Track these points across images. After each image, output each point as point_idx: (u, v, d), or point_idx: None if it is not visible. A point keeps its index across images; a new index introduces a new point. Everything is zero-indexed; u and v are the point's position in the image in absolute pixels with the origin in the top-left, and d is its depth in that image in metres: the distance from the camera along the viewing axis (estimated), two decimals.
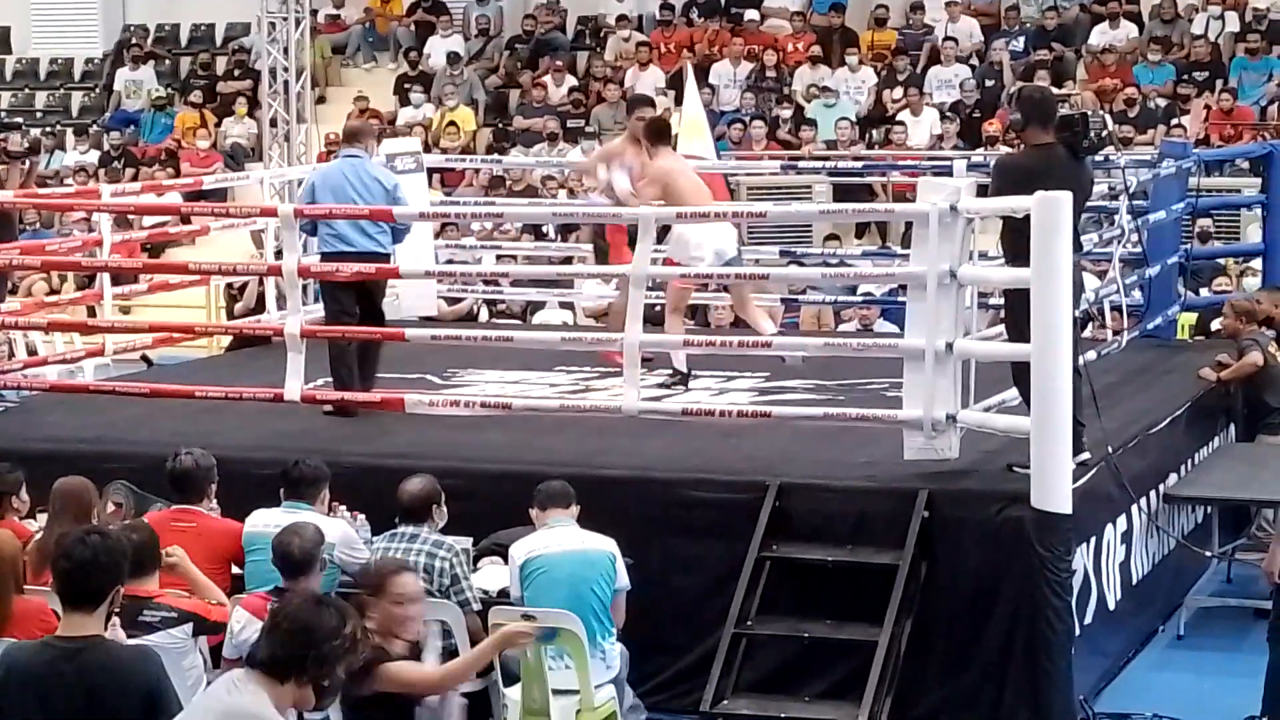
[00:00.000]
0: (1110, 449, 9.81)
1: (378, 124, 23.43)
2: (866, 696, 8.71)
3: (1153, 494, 10.92)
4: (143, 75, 26.62)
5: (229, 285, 18.62)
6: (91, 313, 13.91)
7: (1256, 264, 15.54)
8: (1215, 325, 15.11)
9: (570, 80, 24.40)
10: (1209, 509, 11.70)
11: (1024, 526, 8.99)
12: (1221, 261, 17.04)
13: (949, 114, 21.99)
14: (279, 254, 12.13)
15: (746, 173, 18.95)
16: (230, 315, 18.11)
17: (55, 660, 5.46)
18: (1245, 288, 15.82)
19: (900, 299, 11.86)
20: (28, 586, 7.67)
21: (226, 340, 16.35)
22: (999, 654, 9.13)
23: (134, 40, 27.18)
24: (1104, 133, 9.84)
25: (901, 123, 21.83)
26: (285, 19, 22.15)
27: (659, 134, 12.50)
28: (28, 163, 13.02)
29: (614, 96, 23.42)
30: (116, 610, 5.86)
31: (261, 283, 15.98)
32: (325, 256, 11.42)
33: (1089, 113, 10.20)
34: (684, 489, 9.70)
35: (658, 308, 12.54)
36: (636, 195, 12.27)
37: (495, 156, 21.34)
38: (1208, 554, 11.47)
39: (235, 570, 8.76)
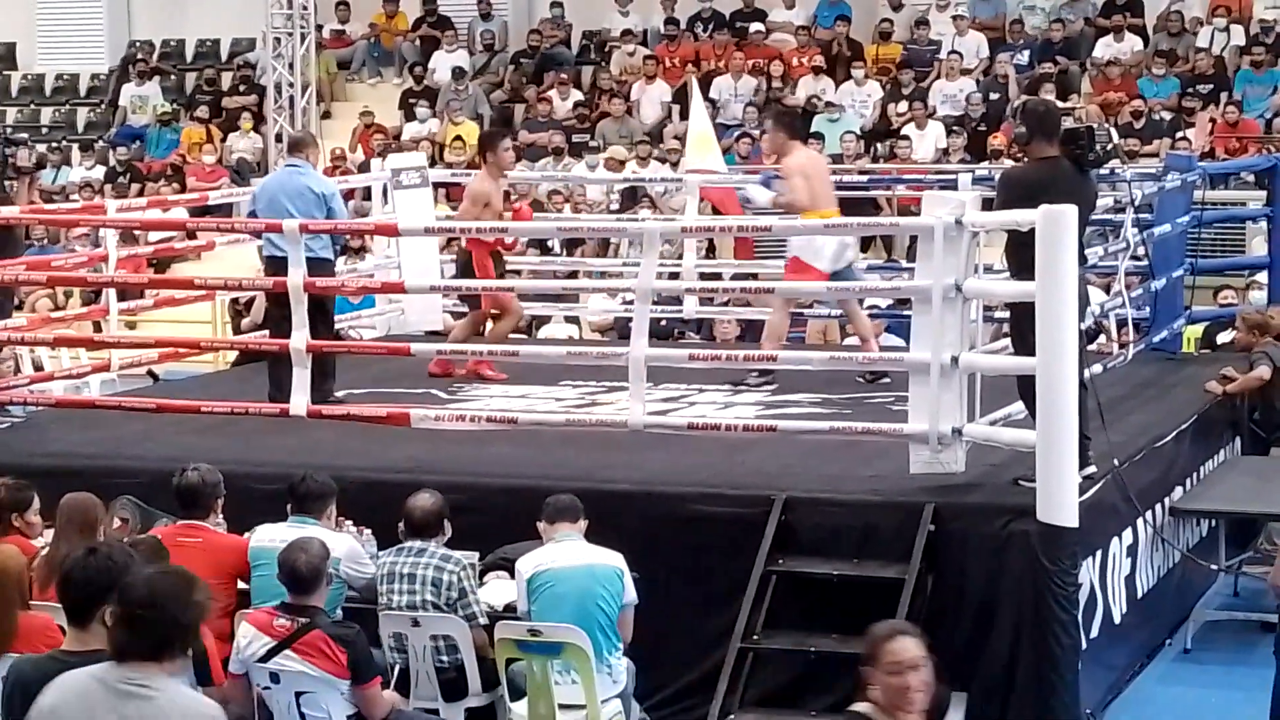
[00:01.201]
0: (1116, 462, 9.80)
1: (383, 138, 23.53)
2: None
3: (1159, 507, 10.91)
4: (148, 91, 26.65)
5: (233, 300, 18.64)
6: (97, 328, 13.92)
7: (1262, 277, 15.53)
8: (1223, 338, 15.09)
9: (575, 94, 24.40)
10: (1215, 522, 11.68)
11: (1030, 540, 8.99)
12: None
13: (954, 128, 21.99)
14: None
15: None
16: (236, 330, 18.13)
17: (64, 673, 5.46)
18: (1251, 300, 15.81)
19: (905, 313, 11.87)
20: (33, 602, 7.68)
21: (232, 355, 16.38)
22: (1005, 668, 9.12)
23: (139, 55, 27.20)
24: (1109, 146, 9.84)
25: (906, 137, 21.82)
26: (290, 34, 22.23)
27: (795, 128, 12.63)
28: (32, 178, 13.03)
29: (619, 111, 23.44)
30: None
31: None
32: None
33: (1094, 126, 10.20)
34: (690, 503, 9.70)
35: (663, 321, 12.46)
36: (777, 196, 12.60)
37: None
38: (1213, 567, 11.46)
39: (241, 586, 8.76)
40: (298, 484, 8.90)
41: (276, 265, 11.58)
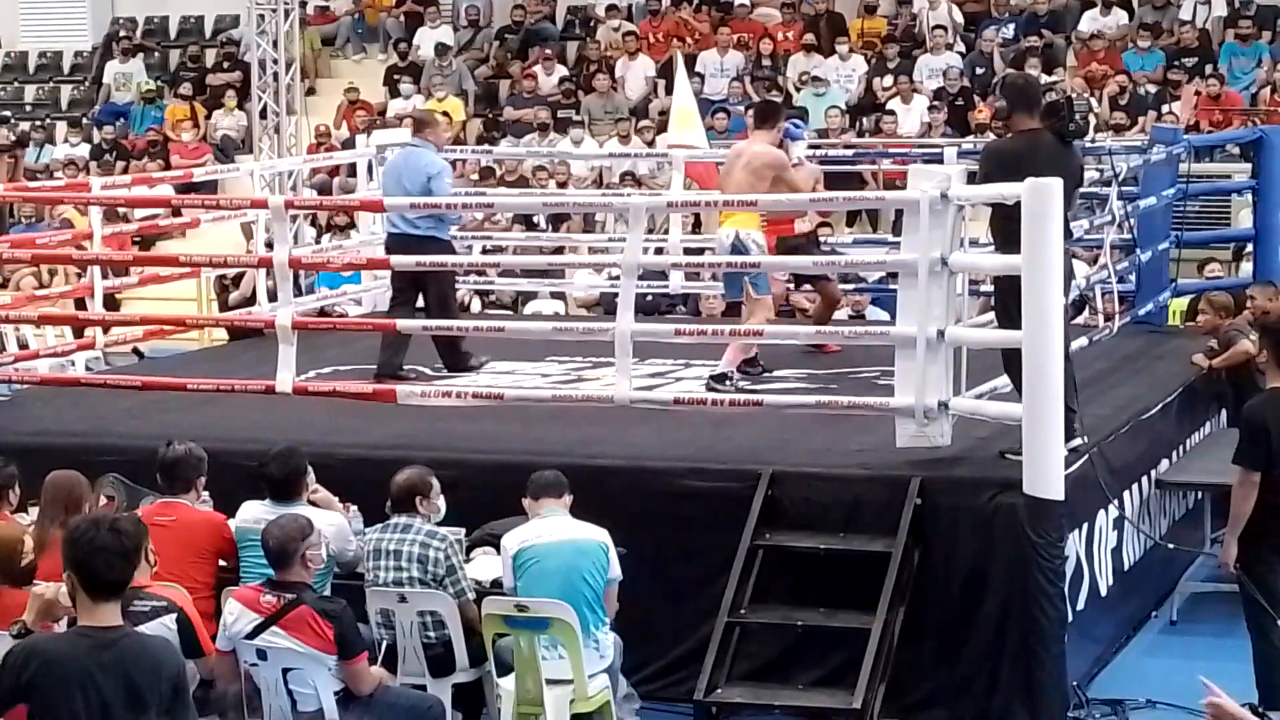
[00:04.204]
0: (1091, 438, 9.77)
1: (367, 115, 23.50)
2: (860, 684, 8.71)
3: (1145, 480, 10.92)
4: (132, 68, 26.56)
5: (220, 276, 18.60)
6: (82, 306, 13.89)
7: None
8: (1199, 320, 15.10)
9: (560, 70, 24.37)
10: (1201, 495, 11.69)
11: (1016, 513, 9.00)
12: None
13: (939, 102, 21.97)
14: (269, 246, 12.15)
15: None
16: (224, 306, 18.08)
17: (94, 649, 5.47)
18: (1243, 273, 15.81)
19: (891, 286, 11.87)
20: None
21: (217, 331, 16.34)
22: (992, 641, 9.14)
23: (123, 33, 27.13)
24: (1087, 114, 9.85)
25: (892, 111, 21.81)
26: (274, 11, 22.13)
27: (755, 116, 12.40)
28: (15, 156, 12.99)
29: (604, 86, 23.40)
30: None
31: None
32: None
33: (1072, 95, 10.21)
34: (676, 478, 9.70)
35: (649, 297, 12.50)
36: None
37: (485, 147, 21.31)
38: (1193, 550, 11.41)
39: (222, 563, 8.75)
40: (264, 472, 8.85)
41: (395, 242, 12.03)
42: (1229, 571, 8.90)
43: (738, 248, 11.44)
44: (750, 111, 12.52)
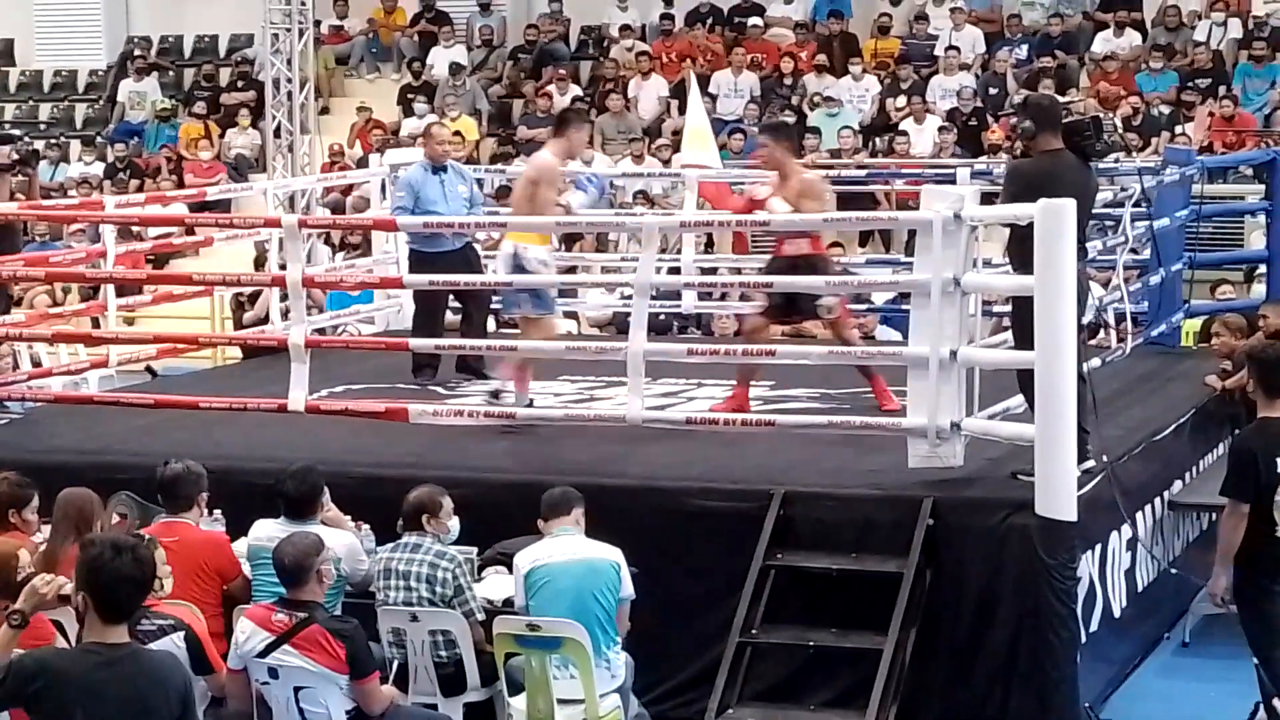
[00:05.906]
0: (1109, 458, 9.76)
1: (381, 134, 23.52)
2: (872, 705, 8.70)
3: (1158, 501, 10.90)
4: (146, 87, 26.65)
5: (236, 294, 18.63)
6: (95, 324, 13.90)
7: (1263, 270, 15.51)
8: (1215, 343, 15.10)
9: (574, 90, 24.40)
10: (1214, 516, 11.66)
11: (1029, 534, 8.98)
12: None
13: (950, 122, 21.97)
14: (283, 265, 12.16)
15: (751, 181, 18.88)
16: (238, 325, 18.10)
17: (100, 666, 5.53)
18: (1255, 294, 15.80)
19: (903, 306, 11.85)
20: None
21: (231, 350, 16.37)
22: (1004, 662, 9.12)
23: (137, 52, 27.21)
24: (1114, 136, 9.83)
25: (905, 131, 21.81)
26: (289, 30, 22.19)
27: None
28: (29, 174, 12.99)
29: (617, 106, 23.43)
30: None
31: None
32: None
33: (1100, 115, 10.18)
34: (688, 498, 9.69)
35: (661, 316, 12.49)
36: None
37: (499, 167, 21.31)
38: (1201, 582, 11.36)
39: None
40: (280, 490, 8.84)
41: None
42: (1217, 602, 8.88)
43: (519, 264, 11.13)
44: None
